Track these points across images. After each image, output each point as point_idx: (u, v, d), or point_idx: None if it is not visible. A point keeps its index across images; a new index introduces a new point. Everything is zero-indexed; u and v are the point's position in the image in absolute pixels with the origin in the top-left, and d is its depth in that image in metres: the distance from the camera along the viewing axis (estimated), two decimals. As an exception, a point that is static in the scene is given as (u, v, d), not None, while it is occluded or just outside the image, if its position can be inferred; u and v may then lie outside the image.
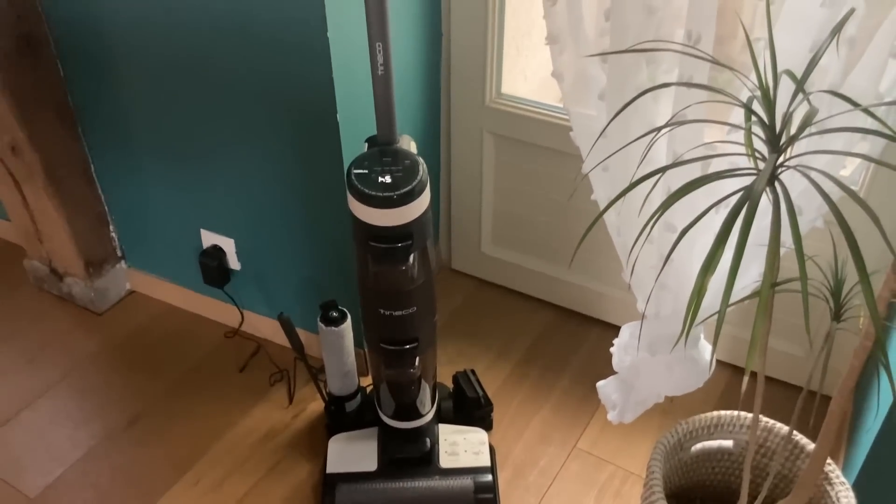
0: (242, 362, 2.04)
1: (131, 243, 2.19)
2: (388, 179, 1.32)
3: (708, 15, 1.17)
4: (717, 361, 1.93)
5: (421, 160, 1.36)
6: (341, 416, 1.80)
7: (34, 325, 2.18)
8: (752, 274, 1.36)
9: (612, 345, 1.59)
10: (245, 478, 1.76)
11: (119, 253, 2.21)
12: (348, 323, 1.71)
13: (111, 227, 2.16)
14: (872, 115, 1.03)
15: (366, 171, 1.33)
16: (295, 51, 1.54)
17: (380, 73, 1.30)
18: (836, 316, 1.21)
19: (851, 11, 1.10)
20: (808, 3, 1.15)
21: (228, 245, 1.97)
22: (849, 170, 1.47)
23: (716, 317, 1.02)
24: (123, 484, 1.75)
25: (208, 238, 1.98)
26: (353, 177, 1.33)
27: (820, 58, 1.08)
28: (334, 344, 1.71)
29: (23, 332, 2.15)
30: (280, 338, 1.93)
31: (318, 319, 1.70)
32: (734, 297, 1.25)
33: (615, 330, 1.62)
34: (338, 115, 1.58)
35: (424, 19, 1.84)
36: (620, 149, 1.24)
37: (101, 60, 1.82)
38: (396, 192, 1.31)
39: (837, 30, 1.09)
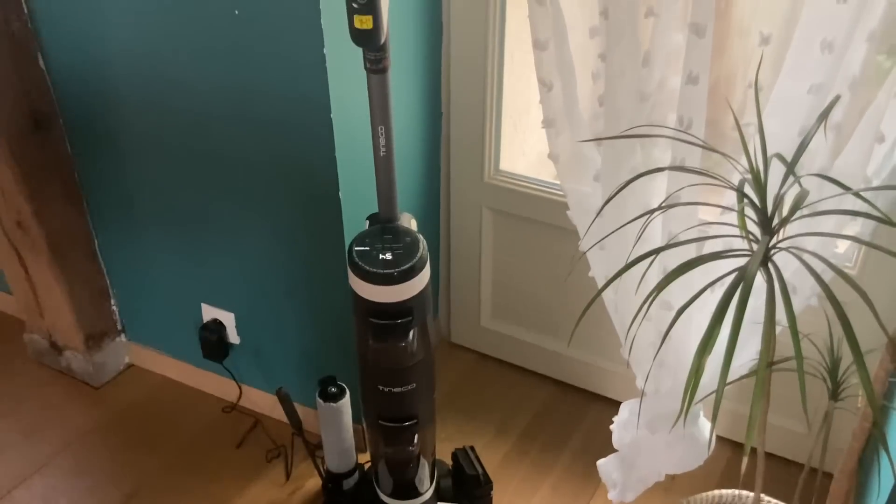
0: (240, 438, 2.02)
1: (132, 317, 2.20)
2: (388, 256, 1.34)
3: (698, 101, 1.21)
4: (718, 438, 1.92)
5: (421, 237, 1.38)
6: (339, 493, 1.77)
7: (31, 399, 2.17)
8: (749, 351, 1.36)
9: (613, 422, 1.59)
10: (240, 558, 1.72)
11: (119, 326, 2.22)
12: (347, 399, 1.70)
13: (112, 301, 2.18)
14: (863, 198, 1.06)
15: (367, 248, 1.35)
16: (299, 130, 1.58)
17: (382, 154, 1.34)
18: (834, 395, 1.22)
19: (837, 98, 1.14)
20: (795, 90, 1.19)
21: (228, 319, 1.98)
22: (842, 248, 1.49)
23: (715, 394, 1.02)
24: (116, 564, 1.71)
25: (209, 312, 1.99)
26: (354, 254, 1.35)
27: (808, 142, 1.12)
28: (332, 420, 1.70)
29: (19, 407, 2.14)
30: (278, 413, 1.92)
31: (317, 395, 1.70)
32: (732, 375, 1.25)
33: (615, 406, 1.62)
34: (340, 193, 1.62)
35: (425, 99, 1.89)
36: (617, 229, 1.26)
37: (108, 138, 1.87)
38: (397, 269, 1.32)
39: (824, 116, 1.13)
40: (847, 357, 1.11)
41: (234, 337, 2.00)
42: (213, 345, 2.00)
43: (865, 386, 0.96)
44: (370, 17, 1.11)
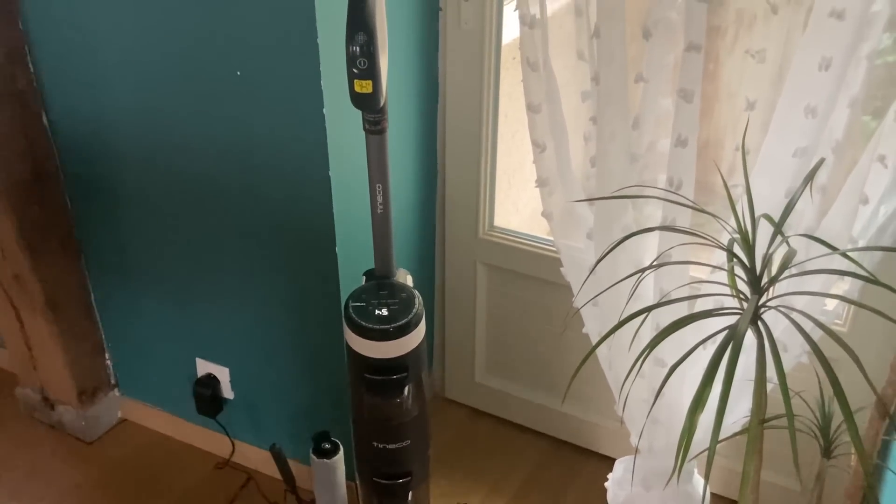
0: (232, 494, 2.00)
1: (126, 371, 2.20)
2: (384, 312, 1.36)
3: (687, 163, 1.25)
4: (713, 494, 1.91)
5: (416, 293, 1.40)
6: (331, 552, 1.75)
7: (22, 454, 2.14)
8: (742, 408, 1.37)
9: (607, 479, 1.58)
10: None
11: (113, 380, 2.21)
12: (340, 455, 1.70)
13: (107, 356, 2.17)
14: (850, 258, 1.09)
15: (363, 304, 1.37)
16: (297, 186, 1.61)
17: (379, 211, 1.37)
18: (826, 453, 1.23)
19: (821, 161, 1.18)
20: (781, 153, 1.23)
21: (223, 374, 1.98)
22: (832, 304, 1.52)
23: (708, 452, 1.03)
24: None
25: (203, 367, 1.99)
26: (350, 309, 1.36)
27: (795, 203, 1.15)
28: (326, 476, 1.70)
29: (10, 462, 2.12)
30: (271, 469, 1.91)
31: (311, 451, 1.69)
32: (725, 432, 1.27)
33: (610, 462, 1.62)
34: (337, 249, 1.64)
35: (421, 156, 1.93)
36: (609, 287, 1.28)
37: (107, 194, 1.89)
38: (393, 325, 1.34)
39: (809, 178, 1.17)
40: (839, 414, 1.12)
41: (228, 392, 2.00)
42: (206, 400, 1.99)
43: (856, 445, 0.98)
44: (370, 82, 1.15)
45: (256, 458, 2.04)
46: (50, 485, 2.04)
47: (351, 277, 1.66)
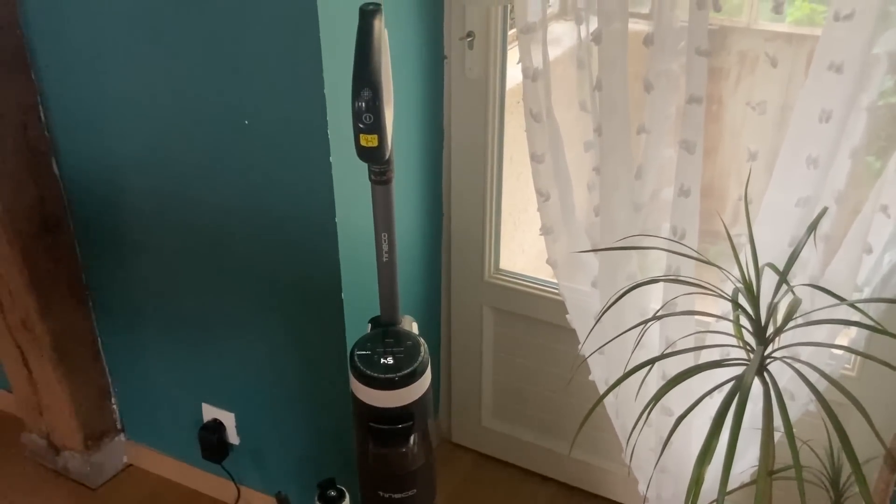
0: (237, 542, 1.99)
1: (132, 416, 2.19)
2: (390, 361, 1.36)
3: (691, 212, 1.26)
4: (724, 542, 1.88)
5: (422, 341, 1.40)
6: None
7: (26, 500, 2.13)
8: (750, 457, 1.36)
9: (615, 528, 1.57)
10: None
11: (119, 425, 2.21)
12: (346, 503, 1.68)
13: (113, 400, 2.17)
14: (858, 309, 1.09)
15: (368, 353, 1.37)
16: (303, 234, 1.62)
17: (385, 259, 1.37)
18: (837, 504, 1.22)
19: (824, 211, 1.19)
20: (783, 202, 1.24)
21: (229, 419, 1.97)
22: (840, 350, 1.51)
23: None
24: None
25: (209, 412, 1.99)
26: (356, 358, 1.36)
27: (799, 252, 1.15)
28: (332, 525, 1.68)
29: (14, 508, 2.11)
30: (276, 516, 1.89)
31: (316, 498, 1.68)
32: (733, 483, 1.25)
33: (618, 510, 1.60)
34: (342, 295, 1.64)
35: (427, 202, 1.94)
36: (615, 337, 1.28)
37: (116, 242, 1.91)
38: (398, 374, 1.33)
39: (812, 227, 1.17)
40: (848, 465, 1.11)
41: (234, 437, 1.99)
42: (212, 445, 1.98)
43: (865, 498, 0.97)
44: (376, 136, 1.16)
45: (262, 504, 2.03)
46: (54, 532, 2.03)
47: (356, 324, 1.67)
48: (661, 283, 1.36)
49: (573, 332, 1.55)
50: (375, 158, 1.21)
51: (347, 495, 1.69)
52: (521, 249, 2.24)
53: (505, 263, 2.07)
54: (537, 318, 2.00)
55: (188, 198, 1.73)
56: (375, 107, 1.13)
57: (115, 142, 1.76)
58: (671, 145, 1.27)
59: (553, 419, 2.10)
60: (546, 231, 1.43)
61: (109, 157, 1.80)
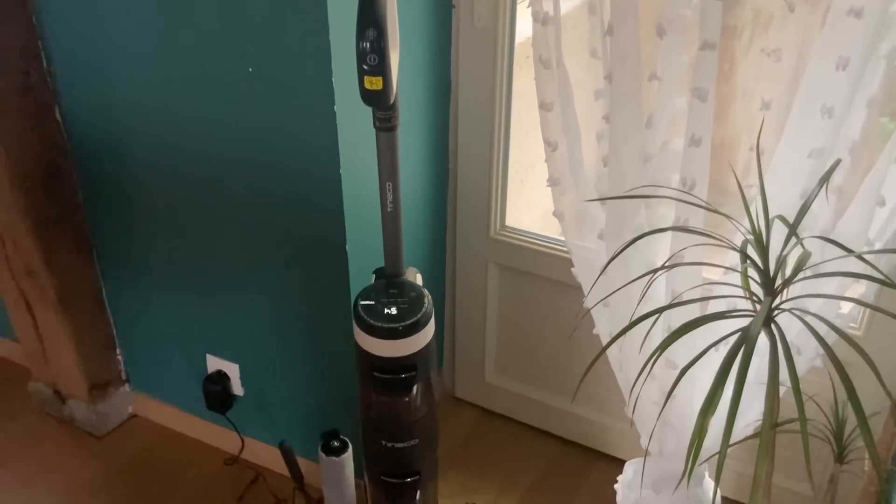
0: (241, 491, 2.00)
1: (137, 366, 2.20)
2: (393, 311, 1.35)
3: (701, 163, 1.23)
4: (725, 499, 1.89)
5: (426, 292, 1.39)
6: (339, 550, 1.75)
7: (33, 448, 2.16)
8: (754, 412, 1.36)
9: (617, 481, 1.57)
10: None
11: (124, 376, 2.22)
12: (349, 453, 1.69)
13: (118, 350, 2.18)
14: (866, 261, 1.07)
15: (372, 303, 1.37)
16: (308, 184, 1.61)
17: (389, 209, 1.36)
18: (840, 458, 1.21)
19: (837, 162, 1.16)
20: (796, 154, 1.21)
21: (233, 370, 1.98)
22: (847, 308, 1.50)
23: (718, 455, 1.02)
24: None
25: (213, 363, 2.00)
26: (359, 308, 1.36)
27: (810, 204, 1.13)
28: (335, 474, 1.69)
29: (21, 456, 2.13)
30: (280, 466, 1.91)
31: (319, 448, 1.69)
32: (736, 436, 1.25)
33: (620, 464, 1.61)
34: (347, 247, 1.63)
35: (432, 155, 1.92)
36: (620, 288, 1.27)
37: (119, 190, 1.90)
38: (402, 324, 1.33)
39: (825, 179, 1.15)
40: (852, 419, 1.11)
41: (238, 389, 2.00)
42: (216, 396, 1.99)
43: (870, 450, 0.96)
44: (380, 79, 1.14)
45: (266, 455, 2.04)
46: (61, 478, 2.05)
47: (361, 276, 1.66)
48: (669, 239, 1.35)
49: (578, 289, 1.54)
50: (380, 102, 1.19)
51: (350, 446, 1.70)
52: (528, 207, 2.22)
53: (511, 221, 2.05)
54: (542, 276, 1.99)
55: (191, 147, 1.71)
56: (380, 48, 1.11)
57: (118, 90, 1.75)
58: (683, 94, 1.24)
59: (556, 375, 2.10)
60: (553, 182, 1.41)
61: (112, 105, 1.78)
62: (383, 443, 1.45)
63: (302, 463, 1.82)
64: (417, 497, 1.50)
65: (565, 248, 1.90)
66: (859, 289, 1.31)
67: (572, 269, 1.50)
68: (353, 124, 1.53)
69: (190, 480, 2.04)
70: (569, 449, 2.12)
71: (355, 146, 1.56)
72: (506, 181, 2.00)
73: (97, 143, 1.86)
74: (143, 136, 1.78)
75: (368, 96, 1.17)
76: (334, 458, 1.67)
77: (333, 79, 1.46)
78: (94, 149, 1.88)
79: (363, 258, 1.67)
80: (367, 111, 1.26)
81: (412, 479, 1.48)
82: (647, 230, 1.32)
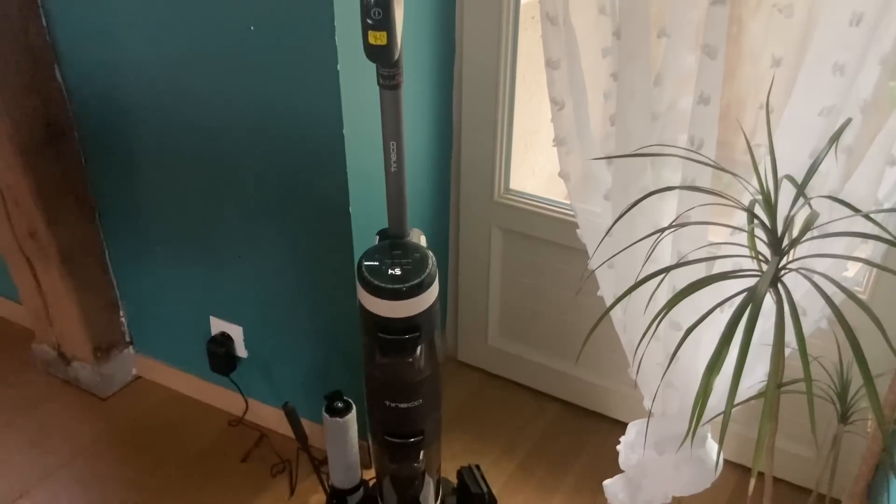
0: (245, 452, 2.02)
1: (140, 329, 2.21)
2: (397, 272, 1.35)
3: (710, 121, 1.22)
4: (727, 462, 1.90)
5: (430, 253, 1.39)
6: (343, 510, 1.76)
7: (38, 408, 2.17)
8: (758, 373, 1.36)
9: (619, 442, 1.58)
10: (242, 573, 1.71)
11: (127, 338, 2.23)
12: (353, 414, 1.70)
13: (121, 313, 2.18)
14: (873, 220, 1.06)
15: (376, 264, 1.36)
16: (311, 145, 1.59)
17: (392, 169, 1.35)
18: (843, 418, 1.21)
19: (848, 121, 1.15)
20: (806, 112, 1.19)
21: (237, 332, 1.98)
22: (852, 271, 1.49)
23: (723, 415, 1.02)
24: (117, 577, 1.71)
25: (217, 325, 2.00)
26: (363, 269, 1.35)
27: (819, 164, 1.12)
28: (338, 435, 1.70)
29: (26, 416, 2.14)
30: (284, 427, 1.92)
31: (323, 410, 1.69)
32: (741, 397, 1.25)
33: (622, 427, 1.61)
34: (350, 208, 1.62)
35: (437, 117, 1.91)
36: (626, 248, 1.26)
37: (122, 151, 1.89)
38: (405, 285, 1.33)
39: (835, 138, 1.13)
40: (857, 380, 1.10)
41: (241, 350, 2.00)
42: (220, 358, 2.00)
43: (875, 409, 0.96)
44: (384, 33, 1.12)
45: (269, 416, 2.06)
46: (66, 438, 2.07)
47: (364, 237, 1.65)
48: (675, 201, 1.34)
49: (582, 253, 1.53)
50: (384, 58, 1.17)
51: (354, 407, 1.70)
52: (532, 172, 2.21)
53: (515, 186, 2.04)
54: (546, 239, 1.98)
55: (193, 107, 1.70)
56: (385, 1, 1.09)
57: (119, 49, 1.72)
58: (692, 51, 1.22)
59: (560, 339, 2.10)
60: (559, 142, 1.40)
61: (113, 65, 1.76)
62: (387, 403, 1.45)
63: (306, 424, 1.82)
64: (421, 457, 1.51)
65: (570, 212, 1.89)
66: (867, 250, 1.30)
67: (577, 231, 1.49)
68: (356, 85, 1.51)
69: (194, 441, 2.05)
70: (571, 411, 2.13)
71: (358, 107, 1.54)
72: (510, 144, 1.98)
73: (99, 104, 1.85)
74: (145, 97, 1.76)
75: (372, 51, 1.15)
76: (338, 418, 1.68)
77: (336, 37, 1.44)
78: (95, 109, 1.86)
79: (367, 220, 1.66)
80: (371, 71, 1.24)
81: (416, 439, 1.48)
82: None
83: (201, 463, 1.99)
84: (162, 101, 1.74)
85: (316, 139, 1.58)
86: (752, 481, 1.05)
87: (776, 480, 1.82)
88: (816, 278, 1.04)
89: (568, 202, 1.88)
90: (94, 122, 1.89)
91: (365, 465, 1.89)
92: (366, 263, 1.36)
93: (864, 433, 1.29)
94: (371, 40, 1.13)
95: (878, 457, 1.18)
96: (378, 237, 1.46)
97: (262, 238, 1.79)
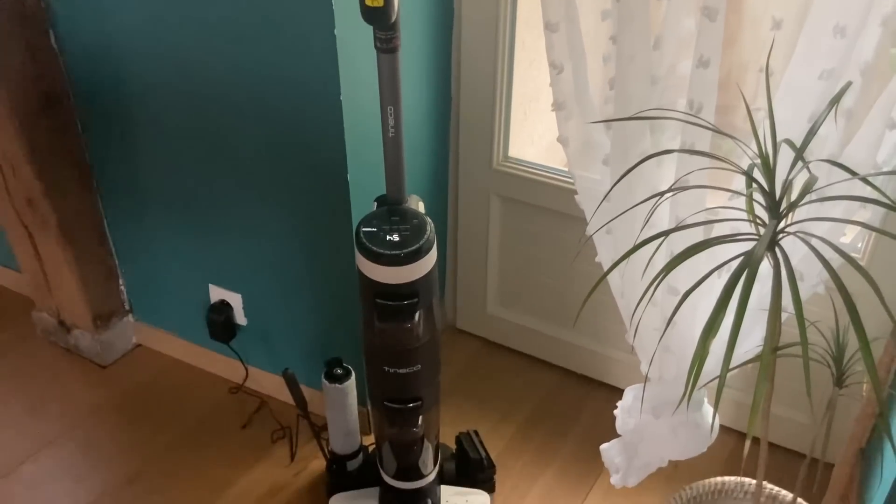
0: (245, 418, 2.03)
1: (139, 297, 2.21)
2: (395, 238, 1.35)
3: (709, 85, 1.21)
4: (723, 428, 1.92)
5: (428, 219, 1.39)
6: (343, 475, 1.78)
7: (39, 376, 2.18)
8: (754, 338, 1.36)
9: (616, 407, 1.59)
10: (244, 536, 1.74)
11: (127, 306, 2.23)
12: (352, 380, 1.71)
13: (120, 281, 2.19)
14: (870, 184, 1.06)
15: (374, 230, 1.36)
16: (308, 111, 1.58)
17: (390, 134, 1.34)
18: (839, 382, 1.22)
19: (848, 84, 1.14)
20: (806, 76, 1.19)
21: (236, 300, 1.99)
22: (849, 237, 1.49)
23: (718, 379, 1.02)
24: (121, 540, 1.73)
25: (216, 293, 2.00)
26: (361, 235, 1.35)
27: (818, 127, 1.11)
28: (338, 401, 1.71)
29: (28, 384, 2.16)
30: (284, 394, 1.93)
31: (323, 376, 1.70)
32: (737, 362, 1.26)
33: (620, 393, 1.62)
34: (348, 175, 1.62)
35: (435, 83, 1.89)
36: (624, 212, 1.26)
37: (118, 119, 1.88)
38: (404, 251, 1.33)
39: (835, 101, 1.13)
40: (852, 345, 1.11)
41: (241, 318, 2.01)
42: (219, 326, 2.01)
43: (870, 371, 0.96)
44: (382, -5, 1.11)
45: (269, 383, 2.07)
46: (67, 405, 2.08)
47: (362, 204, 1.65)
48: (674, 167, 1.33)
49: (581, 220, 1.53)
50: (381, 20, 1.16)
51: (353, 373, 1.72)
52: (531, 140, 2.20)
53: (514, 154, 2.03)
54: (545, 207, 1.98)
55: (189, 75, 1.69)
56: (382, -38, 1.08)
57: (115, 14, 1.71)
58: (692, 14, 1.21)
59: (558, 307, 2.11)
60: (558, 107, 1.39)
61: (109, 30, 1.74)
62: (386, 369, 1.46)
63: (305, 391, 1.84)
64: (419, 422, 1.52)
65: (569, 179, 1.89)
66: (865, 214, 1.30)
67: (576, 197, 1.49)
68: (354, 50, 1.50)
69: (195, 408, 2.07)
70: (569, 378, 2.15)
71: (356, 72, 1.53)
72: (509, 110, 1.97)
73: (95, 71, 1.83)
74: (141, 64, 1.75)
75: (369, 14, 1.14)
76: (337, 385, 1.69)
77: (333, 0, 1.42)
78: (91, 76, 1.85)
79: (365, 186, 1.66)
80: (368, 37, 1.23)
81: (414, 404, 1.50)
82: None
83: (202, 429, 2.01)
84: (158, 68, 1.72)
85: (313, 105, 1.57)
86: (748, 443, 1.06)
87: (772, 446, 1.84)
88: (814, 242, 1.04)
89: (567, 169, 1.87)
90: (90, 90, 1.88)
91: (364, 432, 1.91)
92: (364, 230, 1.36)
93: (859, 397, 1.30)
94: (368, 2, 1.12)
95: (872, 419, 1.19)
96: (376, 203, 1.46)
97: (261, 206, 1.79)
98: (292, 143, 1.65)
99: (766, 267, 1.07)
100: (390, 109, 1.31)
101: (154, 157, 1.89)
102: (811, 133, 1.11)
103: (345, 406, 1.72)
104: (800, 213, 1.12)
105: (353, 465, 1.79)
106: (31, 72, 1.82)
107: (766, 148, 1.09)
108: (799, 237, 1.05)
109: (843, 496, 1.46)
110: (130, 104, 1.83)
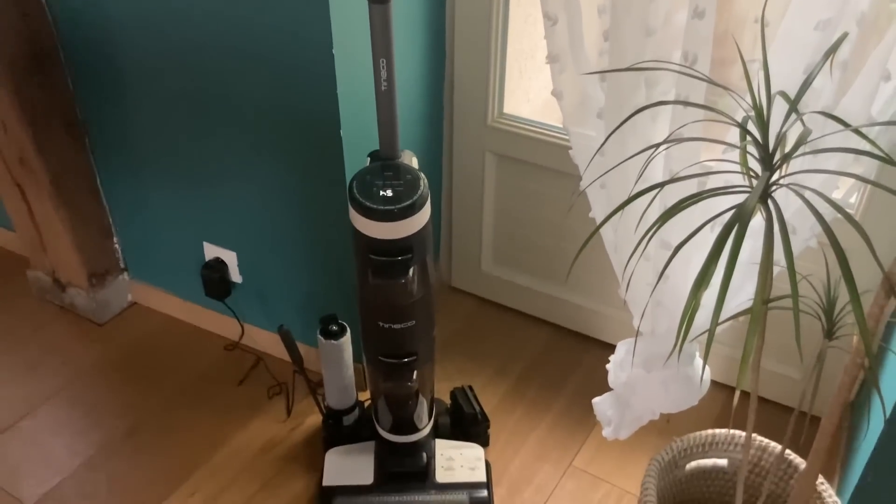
0: (242, 375, 2.05)
1: (134, 255, 2.21)
2: (389, 193, 1.34)
3: (704, 37, 1.20)
4: (714, 383, 1.93)
5: (422, 175, 1.38)
6: (339, 429, 1.80)
7: (36, 334, 2.19)
8: (747, 292, 1.37)
9: (609, 361, 1.60)
10: (241, 490, 1.76)
11: (122, 265, 2.23)
12: (347, 337, 1.72)
13: (115, 239, 2.19)
14: (863, 136, 1.05)
15: (368, 185, 1.36)
16: (300, 67, 1.57)
17: (383, 88, 1.33)
18: (829, 334, 1.23)
19: (844, 36, 1.13)
20: (802, 27, 1.17)
21: (231, 258, 1.99)
22: (841, 192, 1.49)
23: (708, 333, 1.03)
24: (120, 494, 1.75)
25: (211, 251, 2.00)
26: (354, 190, 1.35)
27: (813, 79, 1.10)
28: (333, 357, 1.72)
29: (24, 342, 2.17)
30: (280, 351, 1.94)
31: (318, 333, 1.71)
32: (728, 315, 1.27)
33: (612, 349, 1.64)
34: (341, 131, 1.61)
35: (428, 39, 1.87)
36: (618, 165, 1.26)
37: (110, 77, 1.86)
38: (397, 206, 1.33)
39: (831, 52, 1.12)
40: (843, 298, 1.11)
41: (236, 276, 2.01)
42: (215, 283, 2.01)
43: (860, 321, 0.97)
44: (373, -57, 1.09)
45: (265, 340, 2.08)
46: (64, 363, 2.10)
47: (356, 160, 1.65)
48: (668, 121, 1.32)
49: (576, 177, 1.53)
50: (373, -30, 1.14)
51: (349, 330, 1.72)
52: (527, 98, 2.18)
53: (509, 111, 2.02)
54: (540, 164, 1.97)
55: (180, 31, 1.67)
56: None
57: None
58: (688, -37, 1.19)
59: (552, 265, 2.11)
60: (552, 59, 1.37)
61: (97, -17, 1.72)
62: (381, 324, 1.47)
63: (301, 348, 1.85)
64: (414, 377, 1.54)
65: (564, 136, 1.88)
66: (859, 169, 1.30)
67: (570, 152, 1.48)
68: (346, 3, 1.48)
69: (191, 365, 2.09)
70: (563, 335, 2.16)
71: (348, 27, 1.51)
72: (504, 66, 1.95)
73: (84, 28, 1.81)
74: (132, 20, 1.72)
75: (361, -37, 1.13)
76: (333, 341, 1.70)
77: (325, -50, 1.40)
78: (81, 34, 1.83)
79: (358, 143, 1.65)
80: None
81: (409, 359, 1.51)
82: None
83: (198, 386, 2.03)
84: (149, 24, 1.70)
85: (305, 60, 1.55)
86: (737, 394, 1.07)
87: (762, 400, 1.86)
88: (808, 195, 1.04)
89: (561, 126, 1.86)
90: (79, 43, 1.86)
91: (360, 387, 1.92)
92: (357, 185, 1.36)
93: (848, 348, 1.31)
94: (359, -49, 1.10)
95: (860, 370, 1.20)
96: (369, 159, 1.45)
97: (254, 162, 1.78)
98: (285, 98, 1.64)
99: (759, 221, 1.07)
100: (383, 62, 1.30)
101: (146, 115, 1.87)
102: (806, 84, 1.11)
103: (340, 362, 1.73)
104: (793, 165, 1.12)
105: (348, 419, 1.81)
106: (19, 27, 1.80)
107: (760, 100, 1.09)
108: (792, 189, 1.05)
109: (831, 448, 1.48)
110: (121, 62, 1.81)
